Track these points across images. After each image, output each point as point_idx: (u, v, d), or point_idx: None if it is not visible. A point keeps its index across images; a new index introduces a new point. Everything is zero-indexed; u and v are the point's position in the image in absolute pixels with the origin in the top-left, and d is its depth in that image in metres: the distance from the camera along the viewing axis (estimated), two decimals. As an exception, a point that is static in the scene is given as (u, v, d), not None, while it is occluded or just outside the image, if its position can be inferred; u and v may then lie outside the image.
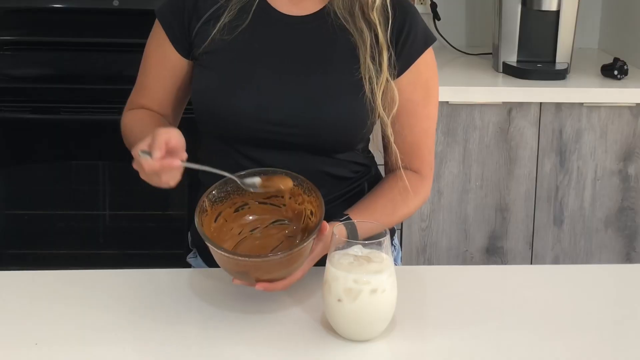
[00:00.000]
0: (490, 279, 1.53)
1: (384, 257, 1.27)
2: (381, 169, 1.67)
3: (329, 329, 1.30)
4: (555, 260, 2.79)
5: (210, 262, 1.62)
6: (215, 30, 1.51)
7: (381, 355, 1.27)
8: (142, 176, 1.35)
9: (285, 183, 1.39)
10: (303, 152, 1.51)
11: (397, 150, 1.55)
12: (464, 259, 2.77)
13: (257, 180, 1.38)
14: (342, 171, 1.56)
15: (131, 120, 1.59)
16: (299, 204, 1.41)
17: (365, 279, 1.25)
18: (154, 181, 1.35)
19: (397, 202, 1.56)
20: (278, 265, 1.31)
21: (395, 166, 1.56)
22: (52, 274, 1.49)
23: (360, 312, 1.25)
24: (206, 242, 1.31)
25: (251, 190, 1.39)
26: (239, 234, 1.42)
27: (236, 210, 1.43)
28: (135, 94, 1.63)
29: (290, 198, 1.41)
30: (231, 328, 1.31)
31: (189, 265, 1.68)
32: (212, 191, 1.40)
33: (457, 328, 1.33)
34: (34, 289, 1.43)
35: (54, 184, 2.71)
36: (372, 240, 1.28)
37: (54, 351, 1.25)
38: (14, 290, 1.43)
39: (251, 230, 1.43)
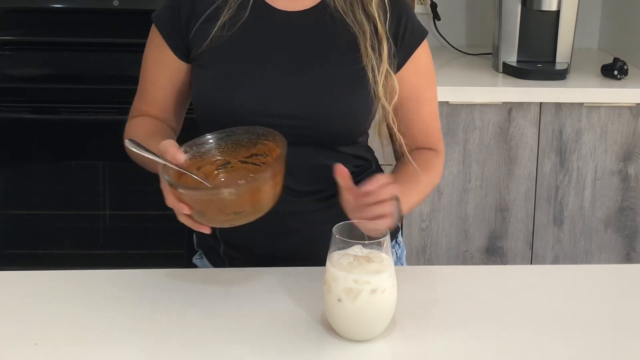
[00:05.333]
0: (490, 279, 1.53)
1: (384, 257, 1.27)
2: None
3: (329, 329, 1.30)
4: (555, 260, 2.79)
5: (216, 262, 1.63)
6: (216, 28, 1.52)
7: (381, 355, 1.27)
8: (170, 202, 1.33)
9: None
10: (306, 146, 1.51)
11: (401, 138, 1.58)
12: (464, 259, 2.77)
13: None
14: (344, 165, 1.56)
15: (129, 135, 1.58)
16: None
17: (365, 279, 1.25)
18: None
19: (428, 165, 1.61)
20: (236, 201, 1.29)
21: (405, 150, 1.60)
22: (52, 274, 1.48)
23: (360, 312, 1.25)
24: (168, 182, 1.30)
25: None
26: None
27: (218, 169, 1.42)
28: (137, 100, 1.64)
29: (267, 156, 1.40)
30: (231, 328, 1.31)
31: (192, 266, 1.68)
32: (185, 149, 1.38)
33: (457, 328, 1.33)
34: (34, 289, 1.43)
35: (54, 184, 2.71)
36: (372, 240, 1.28)
37: (54, 351, 1.25)
38: (14, 290, 1.43)
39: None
